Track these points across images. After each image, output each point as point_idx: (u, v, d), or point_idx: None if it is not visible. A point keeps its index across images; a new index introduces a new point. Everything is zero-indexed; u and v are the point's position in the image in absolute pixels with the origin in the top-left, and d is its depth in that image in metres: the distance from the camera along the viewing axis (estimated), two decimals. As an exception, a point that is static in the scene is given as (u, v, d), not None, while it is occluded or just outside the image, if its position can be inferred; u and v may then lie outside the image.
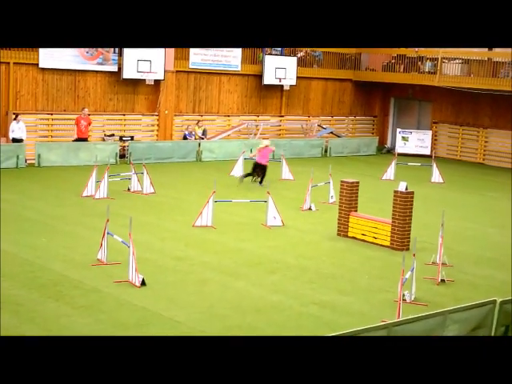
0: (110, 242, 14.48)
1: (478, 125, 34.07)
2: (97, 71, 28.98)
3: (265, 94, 33.73)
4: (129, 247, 13.36)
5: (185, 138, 30.42)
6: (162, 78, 30.02)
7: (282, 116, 34.44)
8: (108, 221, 14.32)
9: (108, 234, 14.25)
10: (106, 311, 11.92)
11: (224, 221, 18.51)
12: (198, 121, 31.22)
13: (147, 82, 29.79)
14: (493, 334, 10.99)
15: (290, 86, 33.90)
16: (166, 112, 30.43)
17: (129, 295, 12.69)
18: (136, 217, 17.63)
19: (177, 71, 30.71)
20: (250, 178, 24.16)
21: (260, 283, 13.95)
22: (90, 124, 27.74)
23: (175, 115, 30.96)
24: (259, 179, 23.94)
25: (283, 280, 14.21)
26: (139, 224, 17.24)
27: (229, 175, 25.88)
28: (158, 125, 30.52)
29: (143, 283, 13.15)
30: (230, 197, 20.54)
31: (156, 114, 30.42)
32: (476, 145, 34.15)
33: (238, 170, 26.10)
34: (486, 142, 33.91)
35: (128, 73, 29.22)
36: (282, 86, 33.74)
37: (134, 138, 29.35)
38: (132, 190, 21.94)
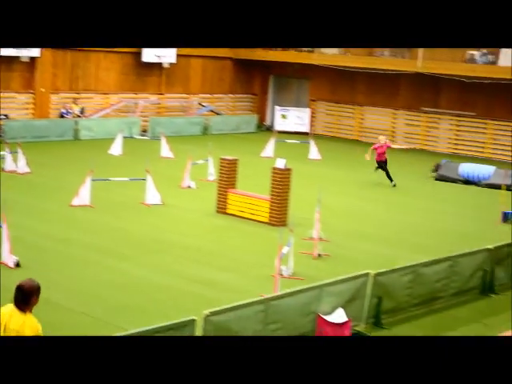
0: (-16, 224, 14.10)
1: (354, 102, 34.80)
2: (-32, 47, 28.00)
3: (144, 72, 33.36)
4: (1, 227, 13.06)
5: (62, 116, 29.82)
6: (38, 55, 29.25)
7: (162, 94, 34.20)
8: (-19, 202, 13.94)
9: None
10: (-19, 294, 11.62)
11: (103, 200, 18.30)
12: (76, 98, 30.65)
13: (22, 59, 28.97)
14: (366, 306, 11.35)
15: (170, 63, 33.65)
16: (43, 90, 29.71)
17: (5, 277, 12.39)
18: (11, 197, 17.23)
19: (53, 48, 29.94)
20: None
21: (142, 263, 13.90)
22: (-39, 102, 26.82)
23: (52, 93, 30.27)
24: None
25: (164, 259, 14.21)
26: (14, 204, 16.83)
27: (108, 153, 25.56)
28: (34, 103, 29.79)
29: (18, 265, 12.88)
30: (109, 175, 20.29)
31: (32, 91, 29.66)
32: (352, 122, 34.90)
33: (117, 148, 25.81)
34: (361, 119, 34.69)
35: (2, 49, 28.29)
36: (161, 63, 33.46)
37: (9, 117, 28.55)
38: (6, 169, 21.36)
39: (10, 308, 7.09)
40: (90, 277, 12.88)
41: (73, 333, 10.09)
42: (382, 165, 23.47)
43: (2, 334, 6.87)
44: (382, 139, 23.85)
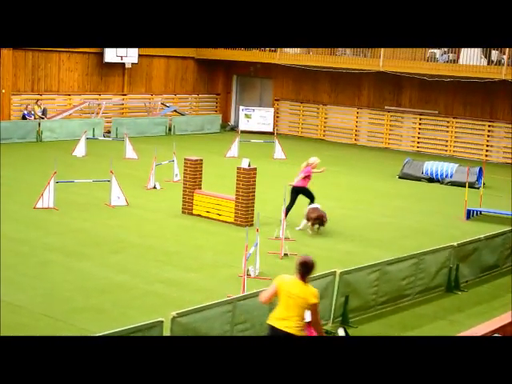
0: None
1: (318, 101, 34.88)
2: None
3: (106, 72, 33.15)
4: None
5: (24, 117, 29.51)
6: (-2, 56, 28.92)
7: (125, 94, 34.01)
8: None
9: None
10: None
11: (67, 202, 18.13)
12: (38, 100, 30.35)
13: (-18, 60, 28.63)
14: (333, 304, 11.35)
15: (132, 64, 33.48)
16: (3, 91, 29.36)
17: (-33, 281, 12.23)
18: (-27, 200, 16.99)
19: (14, 49, 29.63)
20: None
21: (104, 263, 13.78)
22: None
23: (13, 94, 29.94)
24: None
25: (128, 259, 14.10)
26: (-23, 207, 16.62)
27: (71, 155, 25.35)
28: (-6, 104, 29.43)
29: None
30: (73, 177, 20.11)
31: (-8, 93, 29.31)
32: (316, 121, 34.97)
33: (81, 149, 25.61)
34: (325, 118, 34.78)
35: (-39, 50, 27.96)
36: (123, 63, 33.27)
37: (-30, 119, 28.19)
38: (-32, 172, 21.08)
39: (291, 278, 8.46)
40: (51, 277, 12.72)
41: (34, 334, 9.97)
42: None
43: (286, 299, 8.32)
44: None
